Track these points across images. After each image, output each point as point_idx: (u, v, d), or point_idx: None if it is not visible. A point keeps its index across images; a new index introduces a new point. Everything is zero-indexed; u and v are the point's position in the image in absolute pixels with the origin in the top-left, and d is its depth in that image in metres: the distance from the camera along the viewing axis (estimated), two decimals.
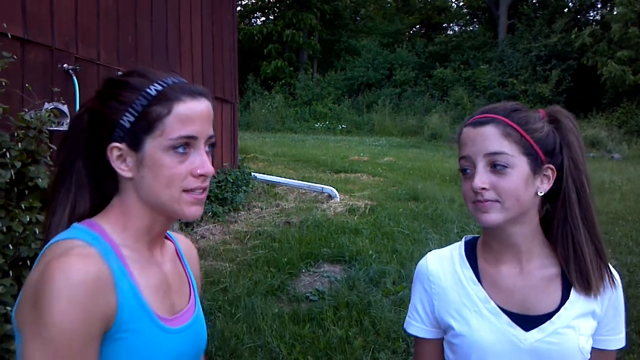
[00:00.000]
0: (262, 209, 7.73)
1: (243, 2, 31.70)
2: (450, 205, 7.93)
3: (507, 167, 1.27)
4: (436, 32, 32.23)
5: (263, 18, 33.42)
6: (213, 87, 7.72)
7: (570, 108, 1.48)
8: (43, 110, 3.43)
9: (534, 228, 1.37)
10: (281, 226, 6.88)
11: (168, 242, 1.32)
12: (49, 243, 1.11)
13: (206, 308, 4.49)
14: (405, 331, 1.52)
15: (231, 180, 7.78)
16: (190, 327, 1.22)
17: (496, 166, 1.28)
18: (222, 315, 4.41)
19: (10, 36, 3.82)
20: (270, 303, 4.68)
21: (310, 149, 15.21)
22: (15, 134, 3.02)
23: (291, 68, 28.83)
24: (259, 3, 32.93)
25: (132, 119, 1.11)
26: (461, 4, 34.34)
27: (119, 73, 1.22)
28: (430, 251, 1.55)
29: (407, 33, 33.33)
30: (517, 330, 1.32)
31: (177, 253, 1.33)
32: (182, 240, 1.40)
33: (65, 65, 4.46)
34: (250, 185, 8.43)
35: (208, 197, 7.46)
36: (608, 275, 1.36)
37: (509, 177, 1.27)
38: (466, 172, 1.33)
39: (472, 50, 27.25)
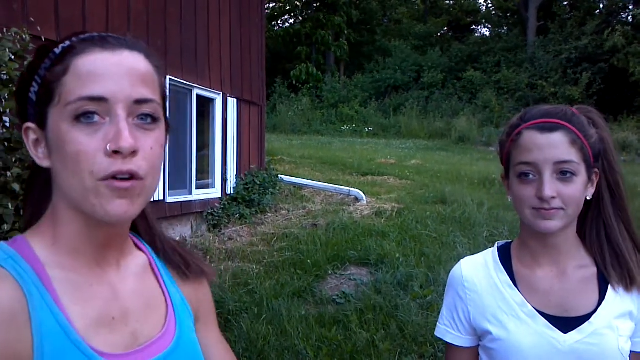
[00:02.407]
0: (288, 211, 7.75)
1: (271, 5, 31.84)
2: (479, 209, 7.85)
3: (573, 175, 1.26)
4: (464, 34, 32.00)
5: (291, 21, 33.54)
6: (241, 89, 7.77)
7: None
8: None
9: (574, 230, 1.36)
10: (308, 228, 6.89)
11: (137, 254, 1.00)
12: None
13: (233, 309, 4.51)
14: (435, 337, 1.50)
15: (258, 183, 7.82)
16: (166, 359, 0.92)
17: (565, 174, 1.26)
18: (248, 316, 4.42)
19: (44, 39, 3.89)
20: (296, 305, 4.69)
21: (337, 151, 15.21)
22: None
23: (318, 71, 28.89)
24: (287, 6, 33.07)
25: (36, 88, 0.85)
26: (490, 6, 34.05)
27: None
28: (461, 256, 1.54)
29: (435, 35, 33.15)
30: (556, 333, 1.30)
31: (153, 266, 1.02)
32: None
33: None
34: (277, 188, 8.46)
35: (235, 199, 7.54)
36: None
37: (575, 185, 1.26)
38: (528, 177, 1.30)
39: (502, 52, 26.99)
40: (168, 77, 5.84)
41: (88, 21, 4.48)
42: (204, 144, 7.22)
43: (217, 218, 6.87)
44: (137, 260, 0.99)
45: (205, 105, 7.11)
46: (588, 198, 1.31)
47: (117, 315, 0.89)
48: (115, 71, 0.82)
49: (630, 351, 1.32)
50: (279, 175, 8.85)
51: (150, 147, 0.84)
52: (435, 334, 1.53)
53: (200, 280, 1.10)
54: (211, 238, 6.42)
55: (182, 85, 6.36)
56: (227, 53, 7.32)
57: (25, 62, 3.27)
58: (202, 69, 6.70)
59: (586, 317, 1.31)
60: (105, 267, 0.91)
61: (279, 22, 33.82)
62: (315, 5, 30.74)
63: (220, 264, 5.64)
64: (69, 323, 0.81)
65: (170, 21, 5.91)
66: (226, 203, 7.18)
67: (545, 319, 1.32)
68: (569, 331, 1.30)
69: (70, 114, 0.81)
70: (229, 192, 7.47)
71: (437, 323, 1.51)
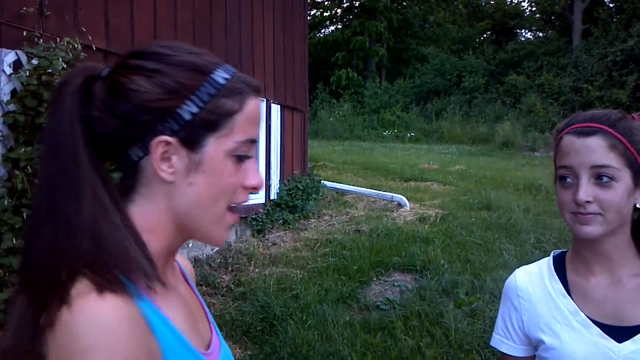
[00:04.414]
0: (332, 217, 7.75)
1: (312, 13, 32.03)
2: (525, 215, 7.71)
3: (612, 180, 1.24)
4: (508, 38, 31.59)
5: (332, 28, 33.67)
6: (284, 96, 7.83)
7: None
8: None
9: (626, 238, 1.32)
10: (351, 234, 6.88)
11: (175, 263, 1.05)
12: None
13: (278, 314, 4.53)
14: (483, 345, 1.49)
15: (301, 188, 7.85)
16: (225, 357, 1.00)
17: (601, 179, 1.24)
18: (293, 322, 4.43)
19: (94, 48, 3.99)
20: (341, 311, 4.68)
21: (379, 157, 15.17)
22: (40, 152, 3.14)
23: (359, 77, 28.89)
24: (328, 13, 33.22)
25: (195, 110, 0.85)
26: (534, 9, 33.54)
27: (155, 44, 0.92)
28: (507, 263, 1.52)
29: (477, 39, 32.81)
30: (610, 342, 1.28)
31: (183, 275, 1.08)
32: (181, 259, 1.11)
33: None
34: (320, 193, 8.48)
35: (279, 204, 7.57)
36: None
37: (614, 191, 1.24)
38: (566, 180, 1.29)
39: (545, 56, 26.53)
40: None
41: (136, 30, 4.58)
42: None
43: (260, 223, 6.92)
44: (177, 269, 1.04)
45: None
46: (638, 206, 1.28)
47: (192, 318, 0.94)
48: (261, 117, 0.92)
49: None
50: (322, 181, 8.87)
51: None
52: (490, 344, 1.52)
53: None
54: (255, 243, 6.47)
55: None
56: (270, 60, 7.39)
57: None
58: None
59: None
60: (166, 274, 0.94)
61: (321, 29, 33.96)
62: (355, 11, 30.78)
63: (264, 269, 5.68)
64: (174, 326, 0.85)
65: (216, 29, 5.99)
66: (270, 209, 7.22)
67: (599, 328, 1.29)
68: (624, 341, 1.27)
69: (234, 147, 0.88)
70: (272, 197, 7.51)
71: (493, 333, 1.50)
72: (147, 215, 0.88)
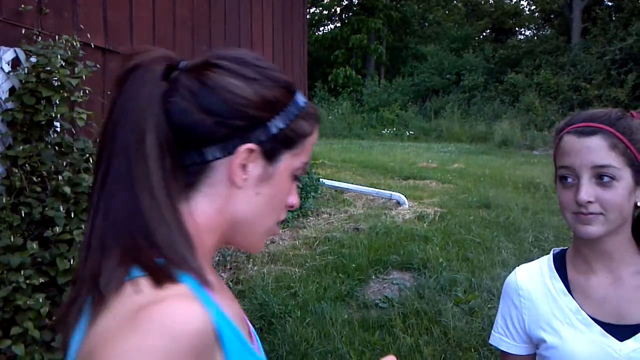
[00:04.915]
0: (330, 215, 7.75)
1: (311, 11, 32.00)
2: (524, 213, 7.72)
3: (613, 179, 1.24)
4: (507, 37, 31.57)
5: (331, 26, 33.64)
6: None
7: None
8: None
9: (627, 236, 1.33)
10: (350, 232, 6.88)
11: None
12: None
13: (277, 312, 4.54)
14: (481, 343, 1.50)
15: (300, 186, 7.85)
16: (260, 345, 1.00)
17: (602, 179, 1.24)
18: (292, 319, 4.44)
19: (92, 46, 3.99)
20: (339, 309, 4.68)
21: (378, 155, 15.16)
22: (98, 140, 3.15)
23: (358, 75, 28.87)
24: (327, 12, 33.19)
25: (282, 125, 0.88)
26: (533, 7, 33.53)
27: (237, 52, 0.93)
28: (506, 261, 1.53)
29: (477, 38, 32.79)
30: (611, 341, 1.28)
31: None
32: None
33: None
34: (319, 191, 8.48)
35: None
36: None
37: (615, 190, 1.24)
38: (567, 181, 1.29)
39: (544, 54, 26.52)
40: None
41: (135, 27, 4.58)
42: None
43: None
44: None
45: None
46: (639, 204, 1.28)
47: (239, 311, 0.96)
48: None
49: None
50: (321, 179, 8.87)
51: None
52: (489, 342, 1.52)
53: None
54: None
55: None
56: (269, 57, 7.38)
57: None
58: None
59: None
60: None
61: (319, 27, 33.94)
62: (355, 9, 30.76)
63: (263, 267, 5.68)
64: (237, 328, 0.83)
65: (215, 27, 5.99)
66: None
67: (601, 326, 1.30)
68: (625, 339, 1.27)
69: (297, 169, 0.93)
70: None
71: (492, 331, 1.50)
72: (204, 214, 0.88)
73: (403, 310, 4.64)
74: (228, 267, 5.63)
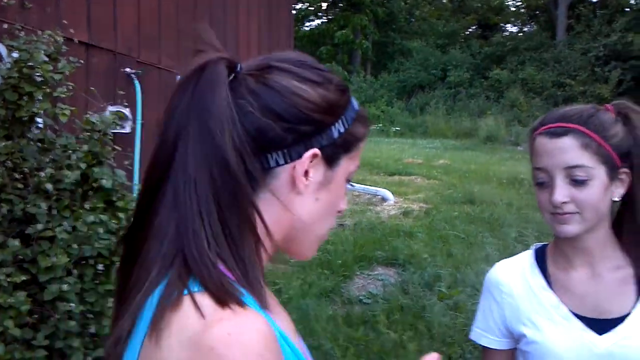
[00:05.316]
0: None
1: (297, 7, 31.92)
2: (508, 209, 7.78)
3: (587, 179, 1.24)
4: (493, 33, 31.69)
5: (318, 21, 33.59)
6: None
7: None
8: (107, 113, 3.54)
9: (606, 232, 1.34)
10: (335, 228, 6.87)
11: None
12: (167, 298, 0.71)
13: None
14: (464, 338, 1.51)
15: None
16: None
17: (576, 179, 1.25)
18: None
19: (76, 41, 3.95)
20: (324, 305, 4.69)
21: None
22: (81, 136, 3.13)
23: (344, 71, 28.87)
24: (313, 7, 33.11)
25: (342, 129, 0.86)
26: (519, 3, 33.68)
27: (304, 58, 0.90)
28: (490, 257, 1.54)
29: (462, 34, 32.89)
30: (591, 335, 1.29)
31: None
32: None
33: (127, 69, 4.59)
34: None
35: None
36: None
37: (589, 189, 1.25)
38: (542, 182, 1.30)
39: (528, 51, 26.67)
40: None
41: (119, 23, 4.55)
42: None
43: None
44: None
45: None
46: (616, 199, 1.30)
47: (291, 325, 0.94)
48: None
49: None
50: None
51: None
52: (469, 337, 1.52)
53: None
54: None
55: None
56: (256, 54, 7.34)
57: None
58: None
59: (622, 319, 1.29)
60: None
61: (306, 23, 33.86)
62: (341, 4, 30.72)
63: None
64: (292, 341, 0.81)
65: (200, 23, 5.97)
66: None
67: (581, 321, 1.31)
68: (605, 333, 1.29)
69: (351, 173, 0.90)
70: None
71: (472, 326, 1.51)
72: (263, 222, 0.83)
73: (387, 306, 4.66)
74: None
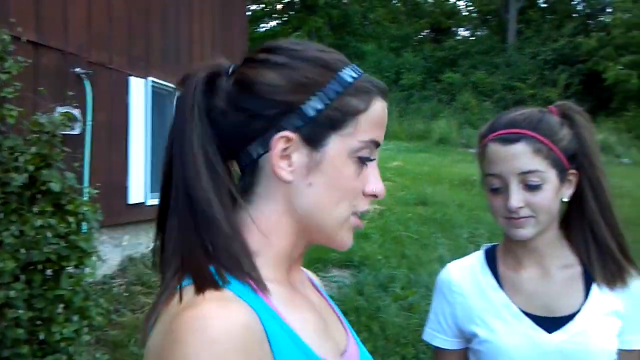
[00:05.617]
0: None
1: (252, 8, 31.78)
2: (460, 210, 7.92)
3: (540, 183, 1.27)
4: (446, 37, 32.17)
5: (272, 23, 33.50)
6: None
7: None
8: (56, 114, 3.45)
9: (555, 232, 1.37)
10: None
11: (302, 271, 1.01)
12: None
13: None
14: (417, 338, 1.52)
15: None
16: None
17: (530, 184, 1.27)
18: None
19: (24, 40, 3.85)
20: None
21: None
22: (29, 138, 3.05)
23: None
24: (268, 8, 33.02)
25: (320, 106, 0.82)
26: (471, 8, 34.28)
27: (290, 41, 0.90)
28: (442, 257, 1.56)
29: (416, 37, 33.28)
30: (541, 333, 1.32)
31: (312, 282, 1.04)
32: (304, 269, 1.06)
33: (77, 69, 4.49)
34: None
35: None
36: (633, 270, 1.35)
37: (543, 193, 1.27)
38: (496, 188, 1.32)
39: (479, 54, 27.18)
40: (150, 79, 5.81)
41: (69, 22, 4.45)
42: None
43: None
44: (303, 274, 1.00)
45: None
46: (565, 199, 1.33)
47: (322, 325, 0.89)
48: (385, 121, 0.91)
49: (619, 349, 1.33)
50: None
51: None
52: (422, 337, 1.53)
53: None
54: None
55: (164, 88, 6.32)
56: (209, 54, 7.30)
57: (15, 62, 3.24)
58: (184, 72, 6.67)
59: (571, 317, 1.32)
60: (292, 280, 0.91)
61: (260, 24, 33.74)
62: (296, 6, 30.73)
63: None
64: (299, 336, 0.79)
65: (153, 23, 5.88)
66: None
67: (531, 319, 1.33)
68: (555, 331, 1.31)
69: (358, 147, 0.84)
70: None
71: (425, 327, 1.52)
72: (265, 216, 0.85)
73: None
74: None
